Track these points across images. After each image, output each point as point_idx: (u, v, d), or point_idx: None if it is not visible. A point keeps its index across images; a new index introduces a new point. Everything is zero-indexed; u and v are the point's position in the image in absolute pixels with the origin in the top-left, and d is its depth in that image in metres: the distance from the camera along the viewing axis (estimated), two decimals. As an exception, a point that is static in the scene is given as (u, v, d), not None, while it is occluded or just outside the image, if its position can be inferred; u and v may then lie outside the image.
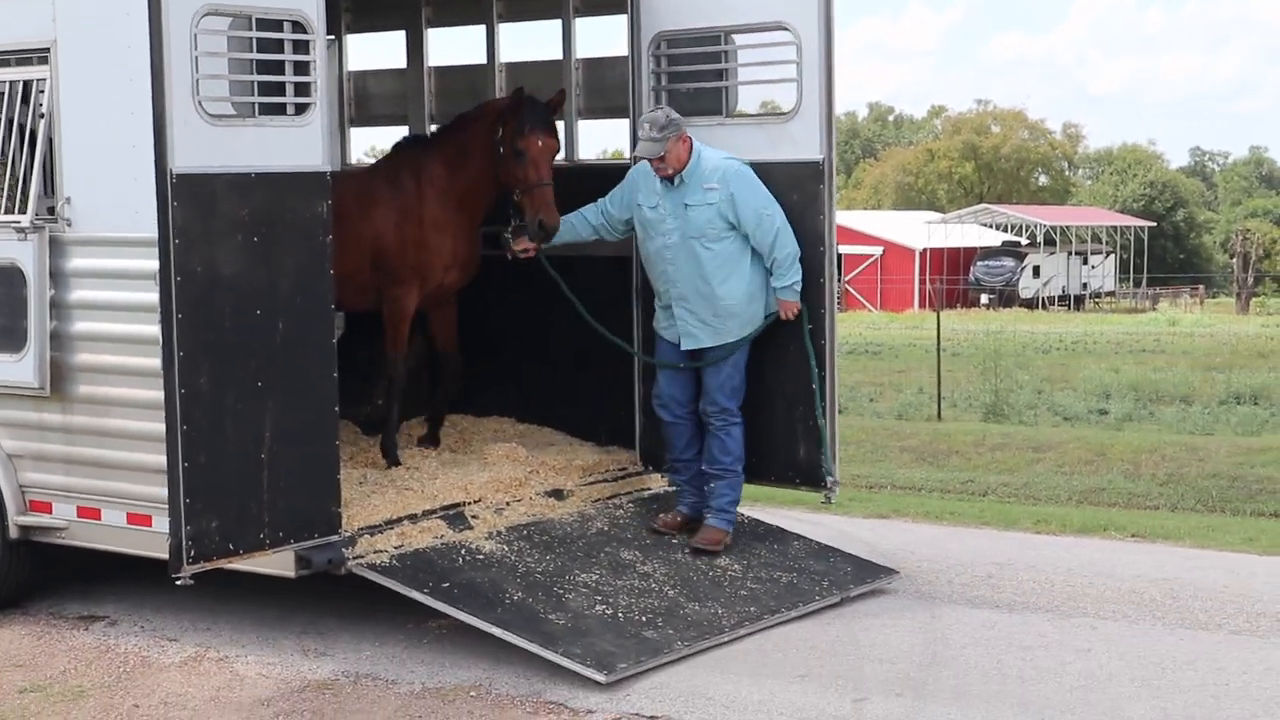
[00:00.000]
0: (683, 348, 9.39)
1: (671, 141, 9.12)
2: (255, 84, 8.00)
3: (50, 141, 8.58)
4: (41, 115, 8.56)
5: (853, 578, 9.39)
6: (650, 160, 9.21)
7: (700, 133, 9.62)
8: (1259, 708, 7.35)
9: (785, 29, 9.41)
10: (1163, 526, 12.12)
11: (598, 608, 8.36)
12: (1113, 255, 76.08)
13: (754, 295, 9.30)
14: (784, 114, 9.56)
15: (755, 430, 9.51)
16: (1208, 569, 10.20)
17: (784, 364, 9.44)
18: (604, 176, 10.03)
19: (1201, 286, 74.97)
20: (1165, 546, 11.19)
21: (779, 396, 9.51)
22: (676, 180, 9.24)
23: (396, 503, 8.96)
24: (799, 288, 9.24)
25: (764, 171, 9.37)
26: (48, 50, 8.49)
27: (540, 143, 9.39)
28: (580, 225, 9.69)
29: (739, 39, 9.90)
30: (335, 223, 8.52)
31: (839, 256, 10.43)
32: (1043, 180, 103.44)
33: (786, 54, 9.46)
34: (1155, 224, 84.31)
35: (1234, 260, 74.33)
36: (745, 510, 9.89)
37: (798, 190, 9.34)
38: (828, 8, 9.27)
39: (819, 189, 9.33)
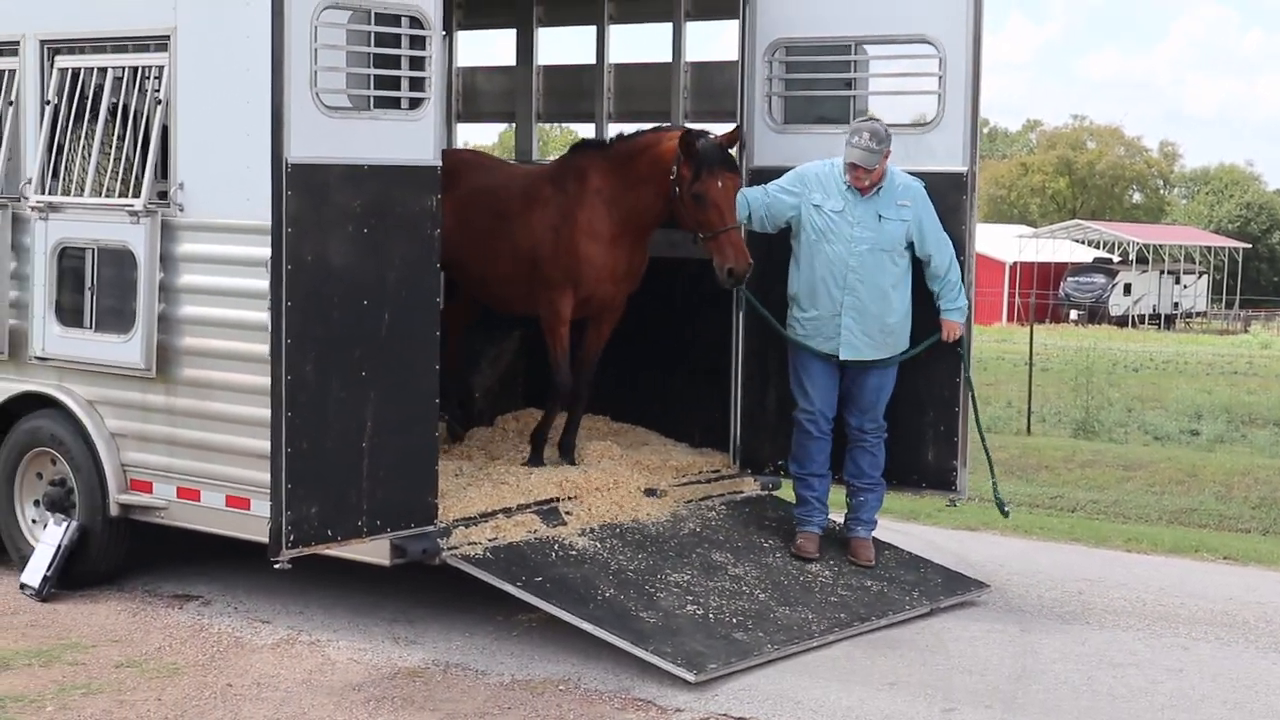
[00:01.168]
0: (842, 358, 9.30)
1: (885, 154, 9.13)
2: (372, 77, 8.11)
3: (165, 128, 8.72)
4: (159, 101, 8.69)
5: (943, 589, 9.39)
6: (856, 168, 9.13)
7: (825, 140, 9.69)
8: (1353, 736, 7.31)
9: (928, 42, 9.46)
10: (1255, 550, 12.02)
11: (688, 608, 8.40)
12: (1205, 275, 75.28)
13: (909, 315, 9.38)
14: (925, 125, 9.61)
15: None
16: (1301, 594, 10.12)
17: (913, 370, 9.49)
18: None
19: (1295, 310, 74.05)
20: (1258, 570, 11.11)
21: (905, 403, 9.56)
22: (872, 191, 9.22)
23: (492, 496, 9.02)
24: (966, 311, 9.37)
25: None
26: (167, 38, 8.62)
27: (720, 183, 9.09)
28: (739, 204, 9.37)
29: (872, 49, 9.93)
30: (499, 222, 9.49)
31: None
32: (1137, 198, 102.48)
33: (929, 66, 9.53)
34: (1250, 245, 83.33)
35: (1329, 284, 73.37)
36: (835, 517, 9.90)
37: (939, 201, 9.38)
38: (977, 22, 9.35)
39: (961, 199, 9.39)
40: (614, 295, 9.77)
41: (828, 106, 10.01)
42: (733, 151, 9.50)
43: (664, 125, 9.96)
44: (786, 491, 10.48)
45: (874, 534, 9.69)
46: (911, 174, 9.40)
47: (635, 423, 10.92)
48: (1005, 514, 9.98)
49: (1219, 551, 11.73)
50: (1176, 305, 69.44)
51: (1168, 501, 14.97)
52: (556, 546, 8.75)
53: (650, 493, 9.68)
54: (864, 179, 9.14)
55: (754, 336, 10.02)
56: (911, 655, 8.30)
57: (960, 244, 9.37)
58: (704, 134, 9.24)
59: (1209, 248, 78.27)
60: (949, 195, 9.38)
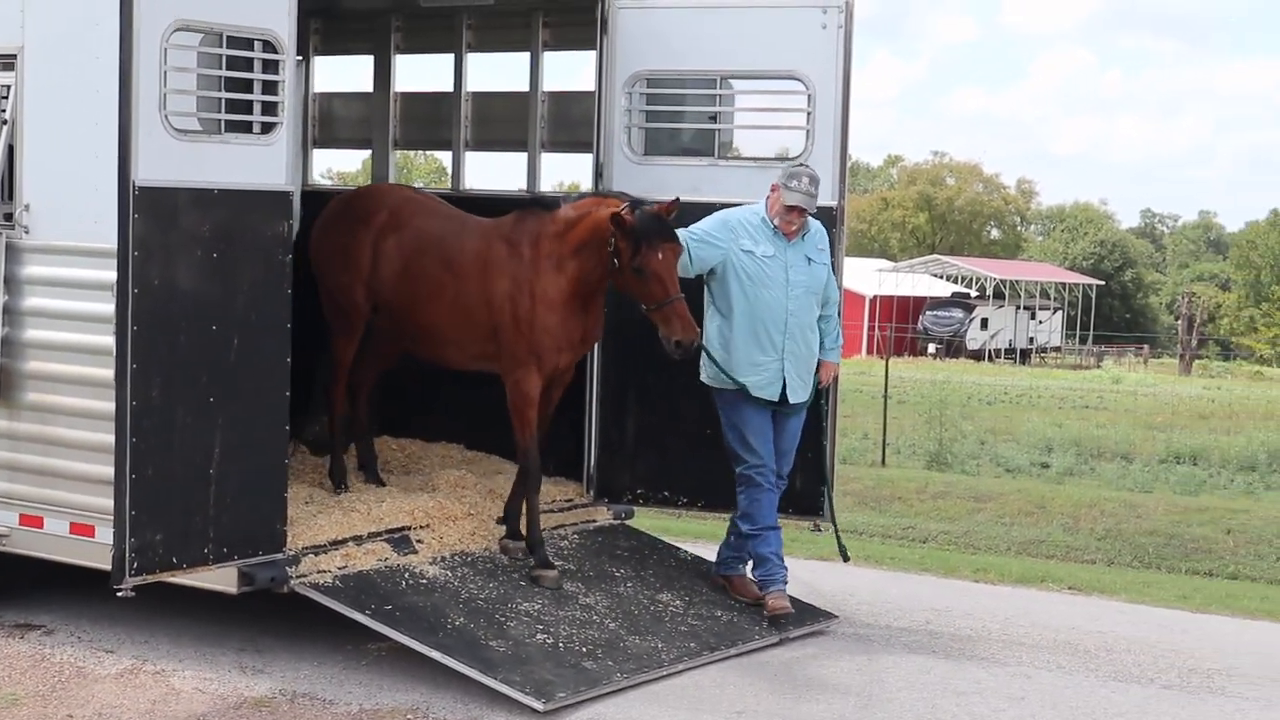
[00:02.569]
0: (792, 401, 9.31)
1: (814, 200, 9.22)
2: (223, 101, 8.03)
3: (10, 148, 8.56)
4: (4, 121, 8.55)
5: (793, 619, 9.44)
6: (794, 211, 9.13)
7: (688, 173, 9.80)
8: (1187, 762, 7.45)
9: (796, 78, 9.57)
10: (1099, 580, 12.25)
11: (538, 636, 8.38)
12: (1060, 311, 76.62)
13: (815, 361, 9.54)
14: (792, 159, 9.68)
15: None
16: (1141, 624, 10.32)
17: None
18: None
19: (1146, 346, 75.54)
20: (1101, 600, 11.32)
21: None
22: (799, 236, 9.26)
23: (342, 524, 8.96)
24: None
25: None
26: (14, 56, 8.48)
27: (660, 255, 8.73)
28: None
29: (737, 84, 10.02)
30: (450, 278, 9.37)
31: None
32: (994, 234, 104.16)
33: (797, 102, 9.64)
34: (1104, 282, 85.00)
35: (1179, 322, 74.93)
36: (689, 547, 9.95)
37: None
38: (846, 62, 9.54)
39: (831, 233, 9.51)
40: (570, 363, 9.47)
41: (690, 139, 10.08)
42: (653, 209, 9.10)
43: (606, 191, 9.65)
44: (639, 521, 10.54)
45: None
46: None
47: (490, 451, 10.89)
48: (846, 559, 10.00)
49: (1064, 582, 11.94)
50: (1032, 340, 70.56)
51: (1016, 533, 15.22)
52: (407, 575, 8.70)
53: (503, 521, 9.65)
54: (797, 223, 9.18)
55: (609, 366, 10.05)
56: (760, 684, 8.35)
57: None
58: (640, 203, 8.87)
59: (1064, 284, 79.71)
60: None
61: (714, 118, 10.08)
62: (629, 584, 9.41)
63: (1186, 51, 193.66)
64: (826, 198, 9.48)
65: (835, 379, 9.68)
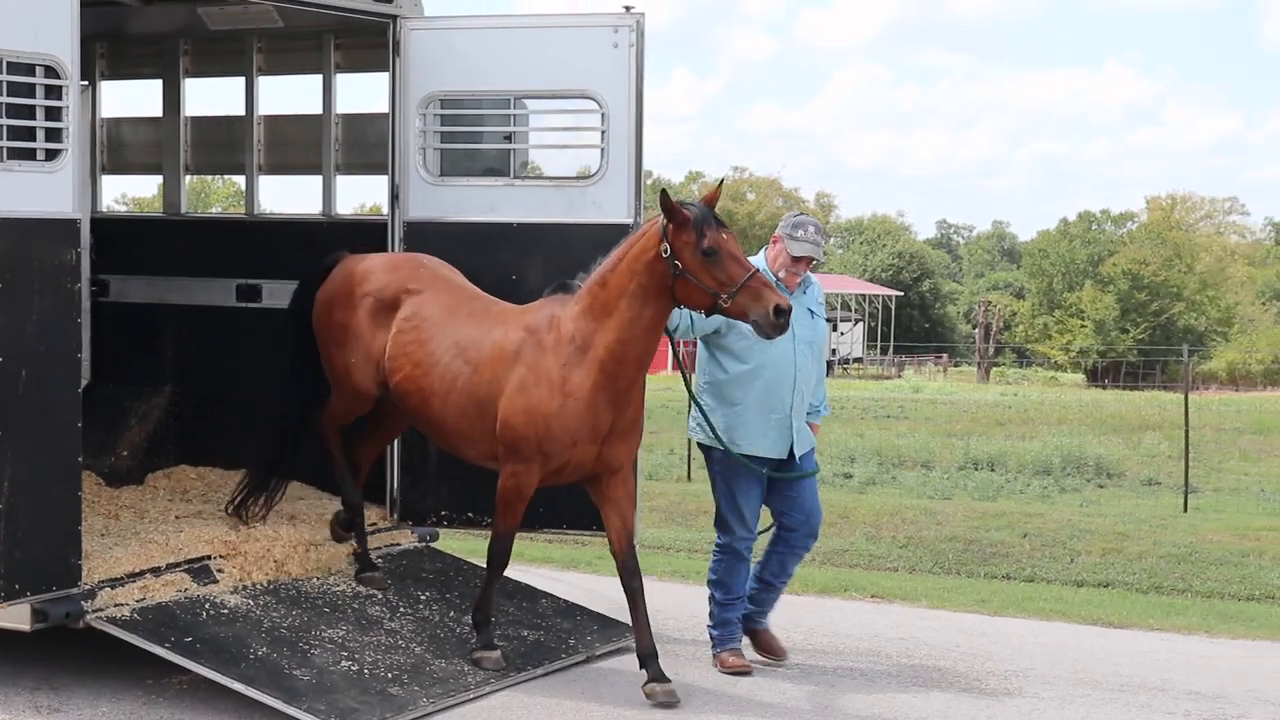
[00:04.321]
0: (799, 453, 9.04)
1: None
2: (4, 128, 7.84)
3: None
4: None
5: (599, 636, 9.47)
6: (801, 261, 8.86)
7: (485, 193, 9.78)
8: (986, 763, 7.61)
9: (590, 97, 9.59)
10: (901, 587, 12.46)
11: (343, 664, 8.30)
12: (861, 323, 77.81)
13: None
14: (588, 178, 9.70)
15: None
16: (942, 629, 10.52)
17: None
18: (361, 232, 10.02)
19: (945, 355, 77.08)
20: (903, 607, 11.51)
21: None
22: (800, 289, 9.00)
23: (140, 555, 8.80)
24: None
25: (562, 233, 9.58)
26: None
27: (725, 235, 8.08)
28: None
29: (531, 104, 10.03)
30: (472, 373, 8.55)
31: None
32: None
33: (590, 120, 9.66)
34: (903, 293, 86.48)
35: (976, 330, 76.59)
36: (518, 573, 9.90)
37: (602, 252, 9.45)
38: (638, 80, 9.57)
39: None
40: (590, 457, 8.44)
41: (486, 159, 10.07)
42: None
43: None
44: (444, 544, 10.49)
45: (532, 582, 9.72)
46: (575, 226, 9.58)
47: (292, 478, 10.75)
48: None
49: (867, 590, 12.12)
50: (834, 352, 71.50)
51: (820, 543, 15.34)
52: (208, 605, 8.57)
53: (306, 548, 9.54)
54: (799, 274, 8.92)
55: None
56: (567, 703, 8.35)
57: None
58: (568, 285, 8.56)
59: (864, 295, 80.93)
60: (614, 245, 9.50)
61: (509, 138, 10.08)
62: (435, 607, 9.36)
63: (979, 66, 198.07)
64: (621, 215, 9.53)
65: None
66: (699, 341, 9.14)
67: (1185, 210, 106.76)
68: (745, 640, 9.26)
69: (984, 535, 15.78)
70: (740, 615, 9.20)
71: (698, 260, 7.99)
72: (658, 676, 8.35)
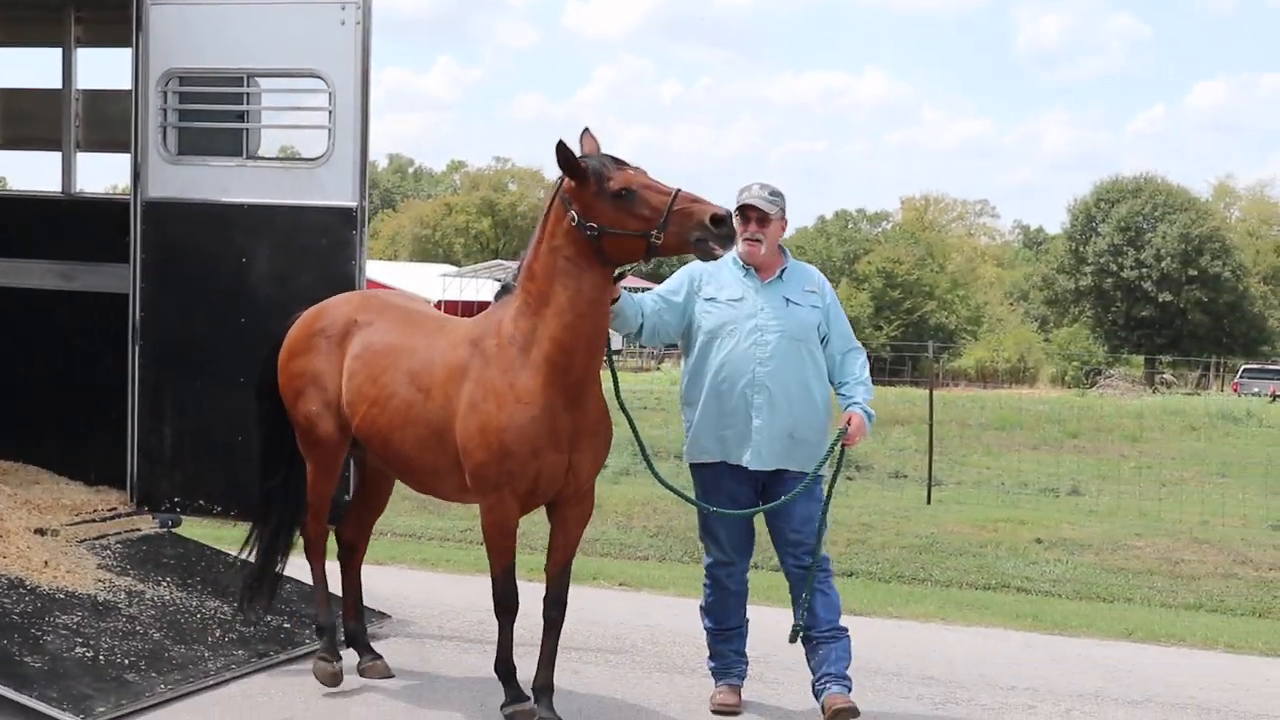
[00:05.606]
0: (750, 467, 7.93)
1: (779, 212, 7.98)
2: None
3: None
4: None
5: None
6: (743, 225, 7.83)
7: (220, 174, 9.60)
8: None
9: (318, 76, 9.46)
10: (650, 575, 12.58)
11: (78, 650, 8.10)
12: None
13: (827, 426, 8.07)
14: (314, 160, 9.58)
15: None
16: (688, 616, 10.58)
17: None
18: (106, 213, 9.80)
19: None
20: (650, 594, 11.63)
21: None
22: (775, 274, 8.04)
23: None
24: (869, 404, 8.07)
25: (290, 217, 9.43)
26: None
27: (633, 170, 7.16)
28: (631, 305, 7.96)
29: (264, 82, 9.88)
30: (425, 400, 7.56)
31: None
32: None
33: (318, 101, 9.55)
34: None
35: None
36: (234, 552, 9.74)
37: (327, 235, 9.37)
38: (364, 60, 9.44)
39: (351, 235, 9.41)
40: (558, 468, 7.44)
41: (221, 139, 9.90)
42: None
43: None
44: (186, 529, 10.30)
45: (308, 579, 9.58)
46: (300, 209, 9.42)
47: (27, 461, 10.51)
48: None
49: (616, 578, 12.21)
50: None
51: (572, 531, 15.44)
52: (-67, 592, 8.31)
53: (41, 532, 9.31)
54: (755, 251, 7.93)
55: (150, 371, 9.81)
56: (309, 688, 8.27)
57: (350, 277, 9.37)
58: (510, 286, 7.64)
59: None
60: (339, 230, 9.43)
61: (242, 117, 9.92)
62: (175, 592, 9.20)
63: (741, 62, 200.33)
64: (346, 198, 9.43)
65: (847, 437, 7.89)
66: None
67: (938, 211, 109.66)
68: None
69: (733, 525, 16.00)
70: (736, 650, 8.27)
71: (612, 207, 7.07)
72: (517, 698, 7.69)
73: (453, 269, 78.81)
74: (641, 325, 8.02)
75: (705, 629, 8.31)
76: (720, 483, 8.02)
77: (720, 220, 6.85)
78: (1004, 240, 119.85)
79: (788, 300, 7.97)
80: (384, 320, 8.12)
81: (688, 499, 8.25)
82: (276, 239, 9.54)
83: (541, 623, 7.78)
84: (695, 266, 8.02)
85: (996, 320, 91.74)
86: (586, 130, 7.43)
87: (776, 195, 7.94)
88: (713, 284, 8.03)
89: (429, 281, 69.71)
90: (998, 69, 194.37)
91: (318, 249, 9.37)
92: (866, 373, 8.10)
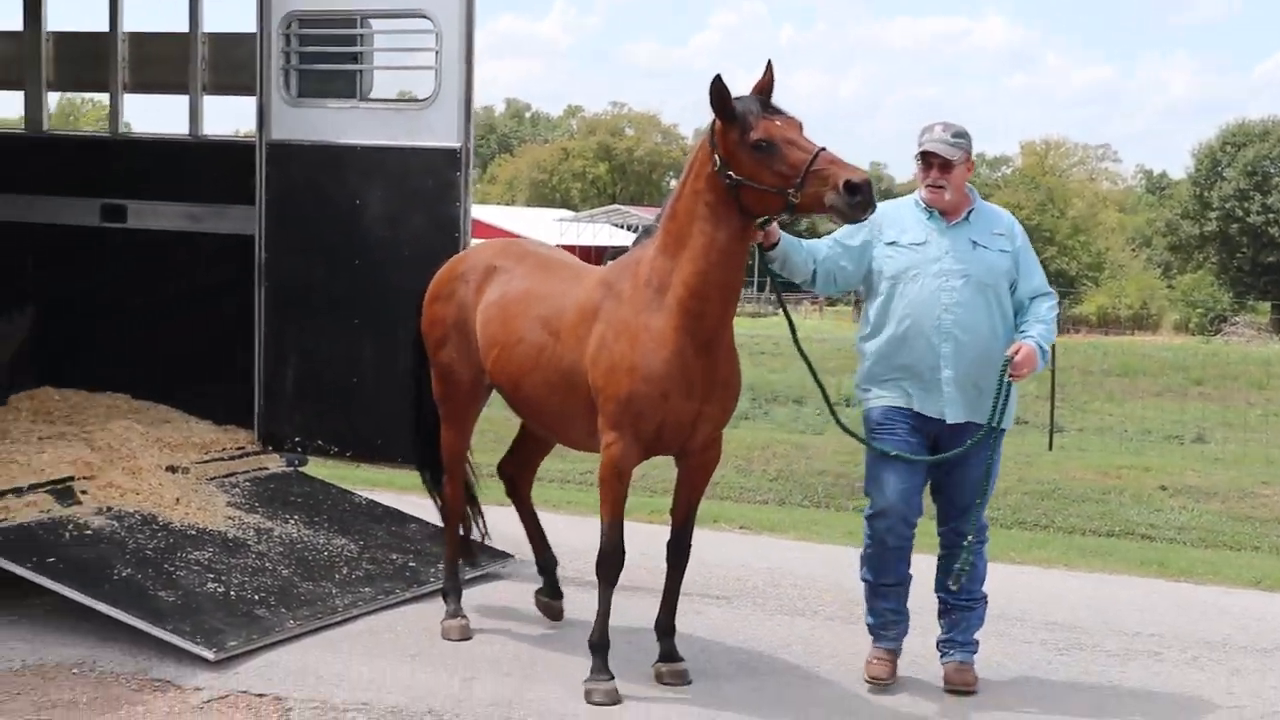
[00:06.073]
0: (949, 420, 7.56)
1: (964, 155, 7.56)
2: None
3: None
4: None
5: (473, 563, 9.46)
6: (925, 172, 7.57)
7: (334, 115, 9.67)
8: (847, 689, 7.73)
9: (425, 16, 9.47)
10: (769, 519, 12.58)
11: (209, 585, 8.25)
12: (737, 260, 77.98)
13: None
14: (421, 101, 9.61)
15: (383, 412, 9.54)
16: (809, 560, 10.64)
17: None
18: (227, 153, 9.88)
19: (821, 295, 77.43)
20: (771, 538, 11.62)
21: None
22: (961, 216, 7.64)
23: (1, 476, 8.68)
24: (1048, 340, 7.60)
25: (400, 158, 9.47)
26: None
27: (778, 121, 6.89)
28: (799, 252, 7.69)
29: (375, 24, 9.93)
30: (556, 344, 7.52)
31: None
32: (674, 184, 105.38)
33: (425, 41, 9.54)
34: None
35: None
36: (364, 492, 9.87)
37: (433, 177, 9.41)
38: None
39: (455, 176, 9.44)
40: (689, 417, 7.35)
41: (338, 81, 9.97)
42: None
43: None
44: (317, 469, 10.42)
45: (402, 507, 9.67)
46: (408, 150, 9.44)
47: (158, 401, 10.67)
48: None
49: (736, 521, 12.22)
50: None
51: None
52: (71, 526, 8.48)
53: (172, 470, 9.47)
54: (940, 195, 7.55)
55: (273, 313, 9.91)
56: (435, 627, 8.35)
57: (455, 219, 9.40)
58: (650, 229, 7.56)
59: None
60: (445, 171, 9.46)
61: (356, 58, 9.98)
62: (303, 530, 9.32)
63: (855, 8, 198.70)
64: (452, 139, 9.46)
65: (1018, 365, 7.40)
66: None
67: (1059, 156, 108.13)
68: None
69: (853, 470, 15.91)
70: (893, 609, 7.85)
71: (752, 159, 6.83)
72: (667, 655, 7.73)
73: (569, 214, 79.00)
74: (815, 272, 7.73)
75: (862, 580, 7.94)
76: (896, 431, 7.67)
77: (855, 188, 6.57)
78: (1126, 186, 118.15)
79: (974, 243, 7.57)
80: (522, 266, 8.06)
81: (871, 446, 7.73)
82: (387, 180, 9.60)
83: (665, 565, 7.78)
84: (879, 206, 7.18)
85: (1119, 266, 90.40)
86: (770, 63, 7.07)
87: (961, 137, 7.53)
88: (894, 227, 7.65)
89: (546, 226, 69.88)
90: (1120, 13, 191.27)
91: (425, 190, 9.43)
92: (1053, 315, 7.67)
